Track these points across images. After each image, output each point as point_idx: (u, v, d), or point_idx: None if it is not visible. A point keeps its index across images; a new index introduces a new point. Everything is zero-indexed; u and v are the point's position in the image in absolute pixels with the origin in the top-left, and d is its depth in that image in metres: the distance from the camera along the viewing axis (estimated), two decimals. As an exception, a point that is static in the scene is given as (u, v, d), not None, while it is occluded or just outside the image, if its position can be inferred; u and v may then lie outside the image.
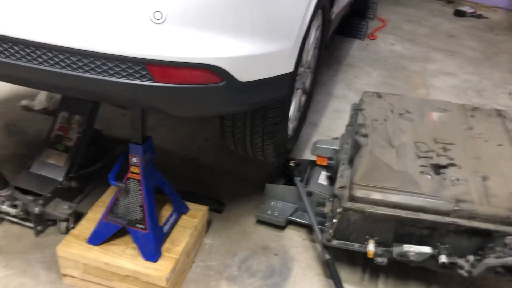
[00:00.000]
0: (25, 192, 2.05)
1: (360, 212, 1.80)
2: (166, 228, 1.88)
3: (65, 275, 1.85)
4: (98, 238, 1.81)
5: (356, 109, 2.50)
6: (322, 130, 3.16)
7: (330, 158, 2.26)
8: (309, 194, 2.20)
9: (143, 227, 1.76)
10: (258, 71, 1.43)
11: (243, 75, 1.37)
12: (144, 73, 1.25)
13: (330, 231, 1.90)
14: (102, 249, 1.79)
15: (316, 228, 2.04)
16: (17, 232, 2.08)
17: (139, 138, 1.68)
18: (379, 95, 2.41)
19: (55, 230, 2.11)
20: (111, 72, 1.25)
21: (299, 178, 2.26)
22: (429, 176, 1.87)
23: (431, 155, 2.00)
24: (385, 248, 1.83)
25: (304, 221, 2.24)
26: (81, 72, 1.26)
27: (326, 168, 2.33)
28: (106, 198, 2.06)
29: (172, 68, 1.26)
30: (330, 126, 3.23)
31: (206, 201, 2.25)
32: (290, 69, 1.57)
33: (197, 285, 1.94)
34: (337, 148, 2.26)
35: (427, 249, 1.75)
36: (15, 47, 1.27)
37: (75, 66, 1.25)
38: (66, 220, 2.07)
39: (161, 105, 1.35)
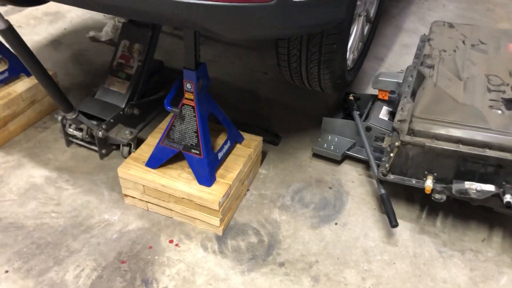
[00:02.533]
0: (91, 117, 2.15)
1: (420, 146, 1.71)
2: (220, 155, 1.91)
3: (126, 196, 1.96)
4: (156, 161, 1.87)
5: (424, 41, 2.33)
6: (388, 66, 3.01)
7: (392, 92, 2.15)
8: (368, 129, 2.13)
9: (197, 152, 1.79)
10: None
11: (295, -7, 1.29)
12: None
13: (387, 165, 1.84)
14: (159, 172, 1.86)
15: (373, 162, 1.98)
16: (84, 155, 2.21)
17: (192, 63, 1.67)
18: (450, 25, 2.21)
19: (118, 154, 2.22)
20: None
21: (358, 112, 2.19)
22: (499, 111, 1.72)
23: (504, 89, 1.84)
24: (445, 185, 1.75)
25: (362, 156, 2.19)
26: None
27: (388, 102, 2.23)
28: (164, 124, 2.11)
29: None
30: (397, 62, 3.06)
31: (262, 133, 2.25)
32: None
33: (250, 211, 1.99)
34: (401, 81, 2.14)
35: (490, 187, 1.65)
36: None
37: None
38: (128, 145, 2.15)
39: (212, 26, 1.31)
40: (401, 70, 2.25)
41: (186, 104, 1.76)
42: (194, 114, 1.76)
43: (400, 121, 1.81)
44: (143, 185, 1.87)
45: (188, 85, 1.72)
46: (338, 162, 2.24)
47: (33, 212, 1.92)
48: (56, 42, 3.07)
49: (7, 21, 1.60)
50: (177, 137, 1.82)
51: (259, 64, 2.97)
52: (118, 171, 1.88)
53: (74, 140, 2.23)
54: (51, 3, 2.55)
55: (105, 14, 3.42)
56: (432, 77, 1.81)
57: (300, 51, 1.84)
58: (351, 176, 2.19)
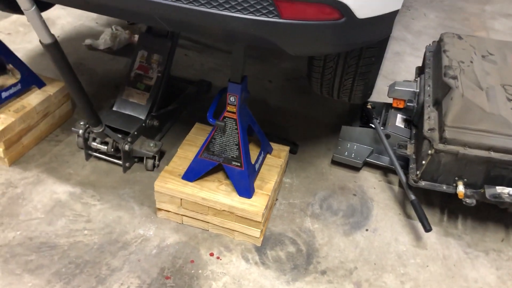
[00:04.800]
0: (112, 130, 2.10)
1: (453, 154, 1.80)
2: (257, 166, 1.92)
3: (159, 209, 1.93)
4: (194, 174, 1.86)
5: (432, 51, 2.45)
6: (385, 73, 3.12)
7: (408, 101, 2.24)
8: (388, 136, 2.21)
9: (238, 164, 1.80)
10: (375, 7, 1.40)
11: (362, 11, 1.34)
12: (271, 9, 1.23)
13: (418, 172, 1.92)
14: (197, 185, 1.85)
15: (399, 169, 2.06)
16: (105, 168, 2.16)
17: (239, 77, 1.68)
18: (459, 37, 2.34)
19: (140, 167, 2.18)
20: (238, 8, 1.24)
21: (377, 121, 2.26)
22: (522, 119, 1.85)
23: (521, 98, 1.96)
24: (474, 190, 1.85)
25: (381, 163, 2.27)
26: (208, 7, 1.25)
27: (403, 110, 2.32)
28: (192, 136, 2.10)
29: (300, 4, 1.24)
30: (392, 69, 3.18)
31: (281, 142, 2.28)
32: (399, 6, 1.53)
33: (283, 221, 2.01)
34: (416, 90, 2.23)
35: (521, 191, 1.77)
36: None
37: (202, 1, 1.24)
38: (153, 157, 2.12)
39: (283, 42, 1.33)
40: (414, 79, 2.35)
41: (228, 117, 1.76)
42: (236, 127, 1.77)
43: (430, 129, 1.90)
44: (181, 199, 1.85)
45: (232, 98, 1.72)
46: (357, 169, 2.31)
47: (64, 230, 1.86)
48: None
49: (53, 36, 1.55)
50: (217, 149, 1.81)
51: (263, 72, 3.00)
52: (155, 185, 1.86)
53: (94, 154, 2.17)
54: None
55: (98, 22, 3.33)
56: (458, 87, 1.91)
57: (337, 63, 1.89)
58: (371, 183, 2.26)
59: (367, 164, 2.32)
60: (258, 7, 1.24)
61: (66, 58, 1.63)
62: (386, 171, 2.31)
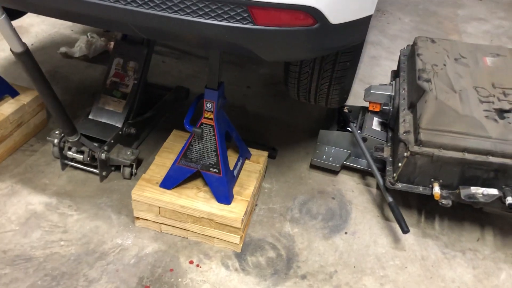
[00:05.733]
0: (88, 138, 2.07)
1: (428, 155, 1.83)
2: (235, 172, 1.92)
3: (138, 218, 1.91)
4: (171, 182, 1.85)
5: (406, 55, 2.49)
6: (361, 77, 3.15)
7: (384, 104, 2.26)
8: (364, 139, 2.23)
9: (217, 171, 1.79)
10: (348, 12, 1.41)
11: (336, 16, 1.35)
12: (245, 15, 1.24)
13: (394, 174, 1.95)
14: (176, 193, 1.84)
15: (377, 172, 2.08)
16: (81, 178, 2.13)
17: (215, 83, 1.68)
18: (432, 40, 2.38)
19: (117, 176, 2.16)
20: (213, 15, 1.24)
21: (354, 124, 2.28)
22: (494, 121, 1.88)
23: (492, 100, 2.00)
24: (450, 191, 1.88)
25: (358, 166, 2.29)
26: (181, 15, 1.24)
27: (379, 114, 2.35)
28: (170, 143, 2.08)
29: (273, 11, 1.24)
30: (369, 73, 3.22)
31: (260, 147, 2.28)
32: (372, 11, 1.55)
33: (262, 226, 2.01)
34: (392, 94, 2.26)
35: (495, 191, 1.80)
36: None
37: (176, 8, 1.24)
38: (130, 165, 2.10)
39: (258, 49, 1.34)
40: (390, 82, 2.38)
41: (205, 124, 1.76)
42: (214, 133, 1.76)
43: (405, 132, 1.92)
44: (159, 207, 1.83)
45: (209, 105, 1.72)
46: (335, 173, 2.33)
47: (39, 241, 1.82)
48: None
49: (24, 44, 1.52)
50: (195, 156, 1.81)
51: (241, 78, 3.00)
52: (132, 194, 1.83)
53: (70, 163, 2.14)
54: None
55: (73, 29, 3.29)
56: (432, 90, 1.94)
57: (313, 69, 1.91)
58: (349, 186, 2.28)
59: (345, 168, 2.34)
60: (232, 13, 1.24)
61: (39, 67, 1.61)
62: (364, 174, 2.33)
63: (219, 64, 1.62)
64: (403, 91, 2.20)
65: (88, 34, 3.03)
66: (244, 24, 1.26)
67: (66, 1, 1.31)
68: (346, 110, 2.37)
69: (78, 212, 1.96)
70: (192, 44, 1.82)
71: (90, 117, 2.19)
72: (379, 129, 2.31)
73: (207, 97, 1.71)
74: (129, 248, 1.84)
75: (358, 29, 1.52)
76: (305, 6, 1.27)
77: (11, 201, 1.96)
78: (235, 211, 1.80)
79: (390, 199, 1.99)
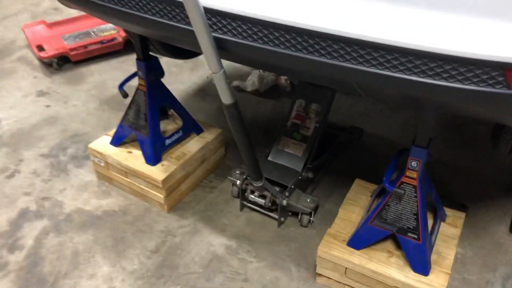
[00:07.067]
0: (267, 181, 2.02)
1: None
2: (433, 239, 1.70)
3: (320, 275, 1.79)
4: (361, 242, 1.70)
5: None
6: None
7: None
8: None
9: (415, 236, 1.60)
10: None
11: None
12: (500, 79, 1.04)
13: None
14: (365, 255, 1.68)
15: None
16: (259, 221, 2.09)
17: (425, 141, 1.50)
18: None
19: (294, 222, 2.07)
20: (459, 78, 1.07)
21: None
22: None
23: None
24: None
25: None
26: (412, 76, 1.10)
27: None
28: (353, 195, 1.95)
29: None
30: None
31: (446, 203, 2.03)
32: None
33: (459, 301, 1.75)
34: None
35: None
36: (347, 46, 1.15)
37: (401, 68, 1.09)
38: (309, 213, 2.01)
39: (507, 117, 1.14)
40: None
41: (407, 183, 1.58)
42: (415, 194, 1.58)
43: None
44: (346, 268, 1.69)
45: (414, 163, 1.54)
46: (543, 242, 1.97)
47: (222, 287, 1.80)
48: (201, 92, 3.03)
49: (234, 97, 1.51)
50: (390, 218, 1.63)
51: (416, 117, 2.76)
52: (318, 250, 1.72)
53: (248, 205, 2.12)
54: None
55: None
56: None
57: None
58: None
59: (556, 236, 1.97)
60: (485, 77, 1.05)
61: (242, 118, 1.59)
62: None
63: (434, 121, 1.44)
64: None
65: (260, 69, 3.06)
66: (497, 89, 1.06)
67: (295, 60, 1.24)
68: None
69: (258, 260, 1.91)
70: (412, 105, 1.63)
71: (269, 158, 2.15)
72: None
73: (413, 155, 1.53)
74: (311, 307, 1.73)
75: None
76: None
77: (194, 240, 1.99)
78: (434, 285, 1.58)
79: None
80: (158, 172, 2.04)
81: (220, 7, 1.28)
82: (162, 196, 2.06)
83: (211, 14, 1.30)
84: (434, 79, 1.10)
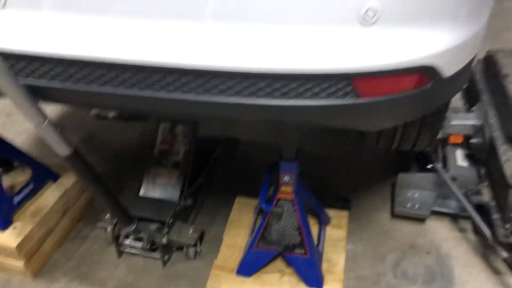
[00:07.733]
0: (141, 220, 1.83)
1: (553, 203, 1.53)
2: (320, 248, 1.65)
3: (215, 312, 1.65)
4: (250, 268, 1.59)
5: (483, 72, 2.19)
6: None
7: (471, 136, 1.97)
8: (453, 180, 1.94)
9: (302, 251, 1.53)
10: (458, 61, 1.14)
11: (447, 69, 1.08)
12: (348, 89, 0.97)
13: (508, 225, 1.65)
14: (257, 281, 1.58)
15: (481, 223, 1.78)
16: (141, 265, 1.88)
17: (293, 154, 1.42)
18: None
19: (179, 256, 1.91)
20: (308, 95, 0.98)
21: (439, 164, 1.99)
22: None
23: None
24: None
25: (450, 211, 2.00)
26: (266, 99, 0.99)
27: (461, 146, 2.06)
28: (236, 215, 1.84)
29: (381, 79, 0.98)
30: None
31: (331, 200, 2.02)
32: (477, 49, 1.27)
33: (356, 302, 1.73)
34: (476, 123, 1.97)
35: None
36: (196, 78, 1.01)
37: (261, 93, 0.98)
38: (194, 244, 1.85)
39: (360, 124, 1.08)
40: (470, 110, 2.08)
41: (283, 199, 1.50)
42: (294, 209, 1.50)
43: (515, 175, 1.63)
44: (240, 299, 1.58)
45: (286, 178, 1.46)
46: (422, 220, 2.03)
47: None
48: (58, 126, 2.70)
49: (71, 145, 1.29)
50: (274, 237, 1.55)
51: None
52: (207, 288, 1.58)
53: (126, 250, 1.90)
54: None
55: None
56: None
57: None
58: (442, 235, 1.98)
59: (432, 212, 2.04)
60: (333, 90, 0.98)
61: (89, 165, 1.37)
62: (454, 218, 2.03)
63: (299, 134, 1.36)
64: (493, 120, 1.90)
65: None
66: (346, 99, 0.99)
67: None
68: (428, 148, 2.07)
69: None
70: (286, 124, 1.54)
71: (141, 194, 1.95)
72: (465, 165, 2.01)
73: (284, 170, 1.45)
74: None
75: (467, 73, 1.24)
76: (420, 66, 1.01)
77: (69, 306, 1.73)
78: (330, 296, 1.53)
79: (504, 254, 1.69)
80: (9, 237, 1.74)
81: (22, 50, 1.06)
82: (20, 263, 1.76)
83: (16, 58, 1.07)
84: (282, 99, 1.00)
